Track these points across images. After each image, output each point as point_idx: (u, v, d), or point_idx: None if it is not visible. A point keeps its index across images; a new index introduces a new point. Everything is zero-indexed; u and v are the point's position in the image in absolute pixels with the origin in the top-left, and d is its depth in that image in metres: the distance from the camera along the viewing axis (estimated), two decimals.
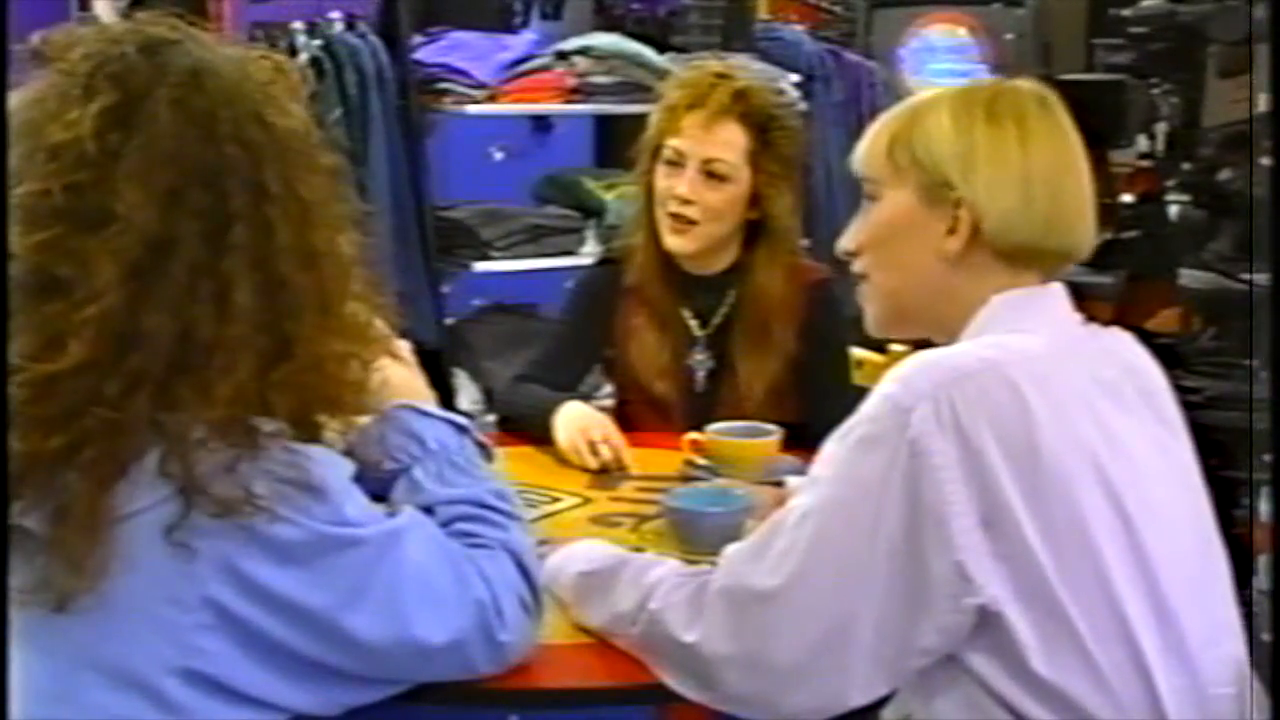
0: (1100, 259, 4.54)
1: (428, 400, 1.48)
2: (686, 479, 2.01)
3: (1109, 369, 1.39)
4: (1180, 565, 1.33)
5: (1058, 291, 1.42)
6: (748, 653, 1.31)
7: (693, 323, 2.40)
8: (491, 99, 3.93)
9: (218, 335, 1.17)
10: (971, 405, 1.28)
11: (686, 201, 2.31)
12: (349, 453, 1.33)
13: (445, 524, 1.36)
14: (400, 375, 1.47)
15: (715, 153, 2.31)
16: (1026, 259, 1.40)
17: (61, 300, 1.15)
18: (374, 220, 3.86)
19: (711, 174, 2.31)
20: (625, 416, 2.44)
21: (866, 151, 1.46)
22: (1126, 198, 4.60)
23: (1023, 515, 1.27)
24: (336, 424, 1.30)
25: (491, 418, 4.00)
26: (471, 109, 3.92)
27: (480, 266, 3.95)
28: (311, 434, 1.25)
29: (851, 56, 4.81)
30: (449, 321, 4.09)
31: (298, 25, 3.91)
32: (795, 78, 4.43)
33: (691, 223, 2.32)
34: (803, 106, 4.40)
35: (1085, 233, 1.42)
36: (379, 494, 1.39)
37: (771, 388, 2.34)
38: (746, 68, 4.24)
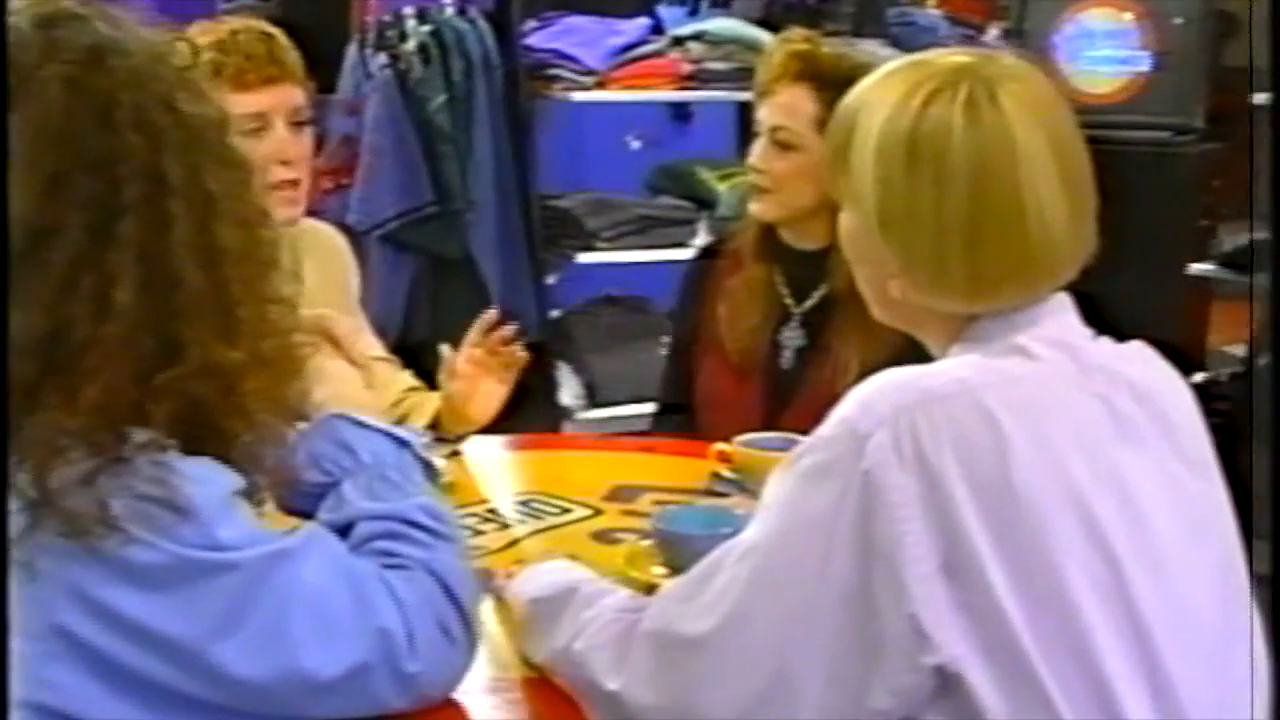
0: (1245, 258, 4.20)
1: (372, 410, 1.38)
2: (711, 492, 1.88)
3: (1117, 394, 1.20)
4: (1184, 622, 1.15)
5: (1059, 303, 1.24)
6: (674, 705, 1.17)
7: (789, 300, 2.28)
8: (600, 85, 3.83)
9: (93, 335, 1.08)
10: (937, 433, 1.12)
11: (759, 170, 2.25)
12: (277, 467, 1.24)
13: (364, 541, 1.25)
14: (341, 381, 1.38)
15: (779, 120, 2.23)
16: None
17: None
18: (476, 209, 3.81)
19: (777, 142, 2.23)
20: (700, 404, 2.32)
21: (825, 153, 1.31)
22: None
23: (990, 560, 1.10)
24: (252, 436, 1.20)
25: (592, 414, 3.93)
26: (582, 96, 3.83)
27: (584, 258, 3.85)
28: (214, 447, 1.16)
29: (990, 41, 4.57)
30: (555, 314, 4.01)
31: (408, 10, 3.87)
32: None
33: (766, 190, 2.26)
34: None
35: (1034, 280, 1.21)
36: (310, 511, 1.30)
37: (866, 375, 2.19)
38: (873, 54, 4.10)
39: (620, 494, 1.92)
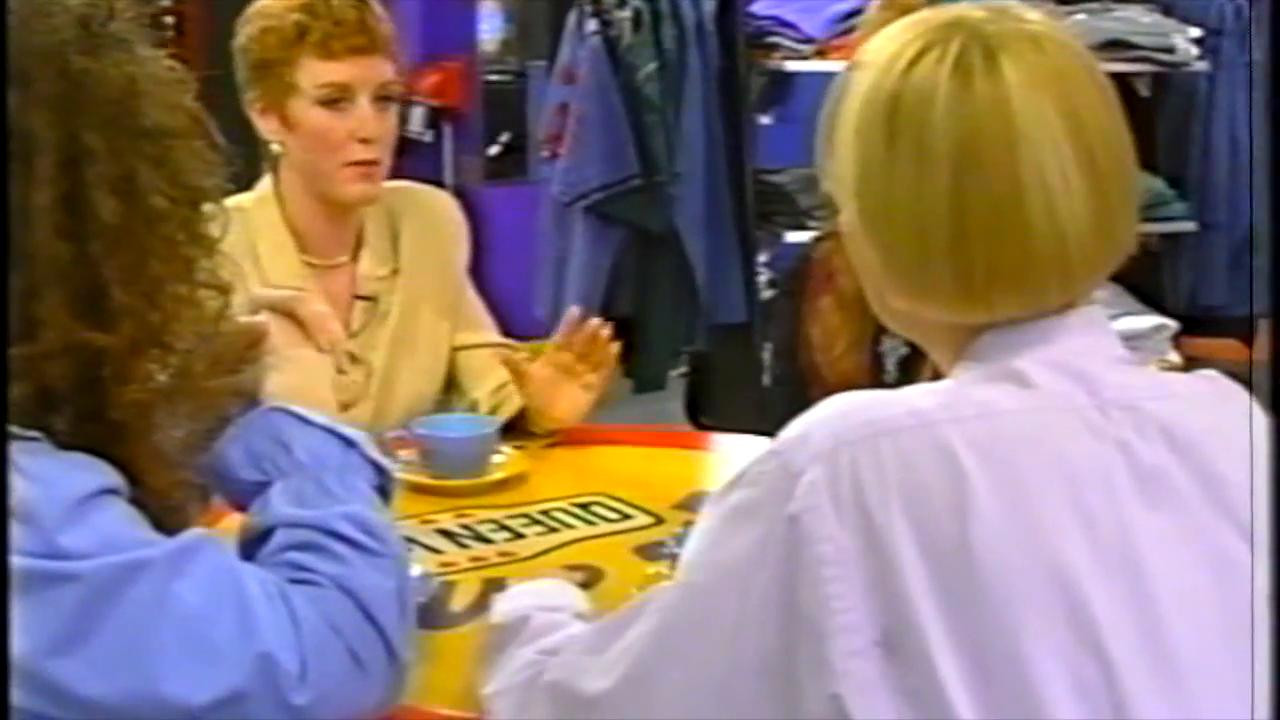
0: None
1: (331, 404, 1.25)
2: None
3: (1144, 440, 0.95)
4: None
5: (1086, 319, 1.00)
6: None
7: None
8: (819, 54, 3.61)
9: None
10: (883, 476, 0.91)
11: None
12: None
13: (277, 552, 1.13)
14: (301, 370, 1.26)
15: None
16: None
17: None
18: (681, 182, 3.66)
19: None
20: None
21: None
22: None
23: (938, 640, 0.89)
24: (157, 432, 1.09)
25: None
26: (797, 65, 3.64)
27: (794, 237, 3.64)
28: (113, 444, 1.05)
29: None
30: (766, 294, 3.82)
31: None
32: (1195, 33, 3.79)
33: None
34: (1200, 66, 3.79)
35: (1038, 286, 0.97)
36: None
37: None
38: (1133, 21, 3.73)
39: (694, 501, 1.74)
